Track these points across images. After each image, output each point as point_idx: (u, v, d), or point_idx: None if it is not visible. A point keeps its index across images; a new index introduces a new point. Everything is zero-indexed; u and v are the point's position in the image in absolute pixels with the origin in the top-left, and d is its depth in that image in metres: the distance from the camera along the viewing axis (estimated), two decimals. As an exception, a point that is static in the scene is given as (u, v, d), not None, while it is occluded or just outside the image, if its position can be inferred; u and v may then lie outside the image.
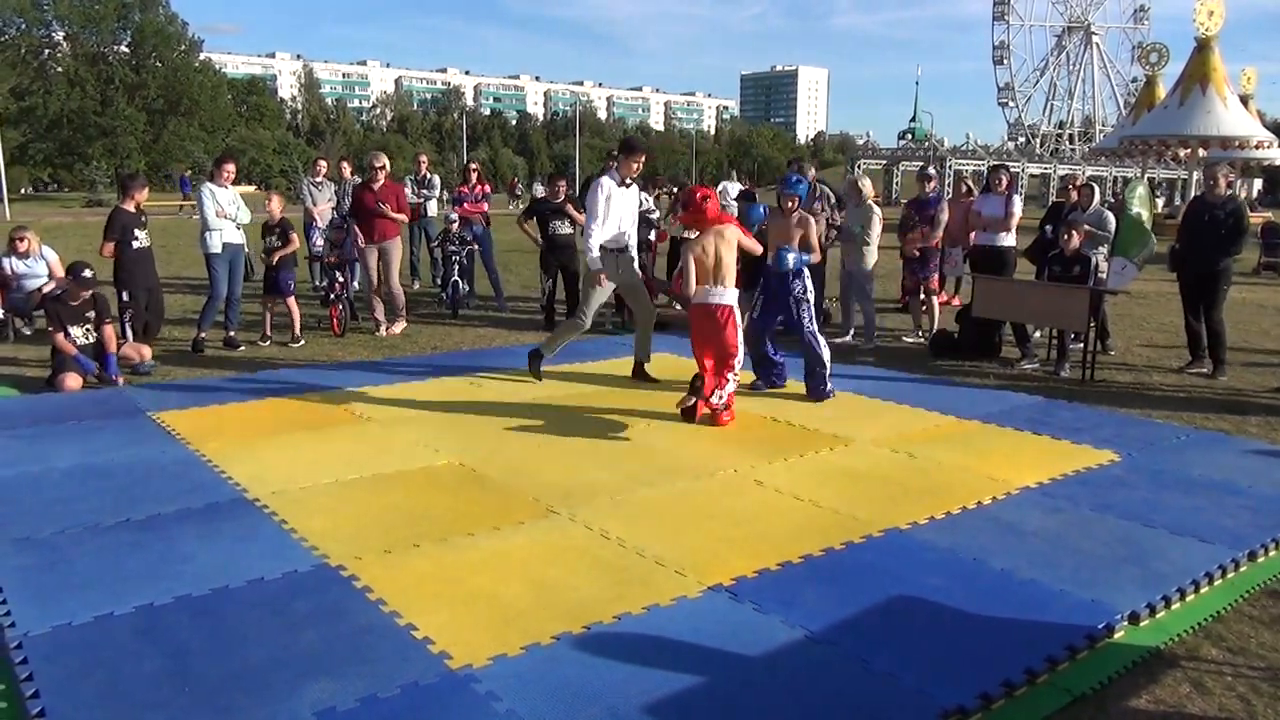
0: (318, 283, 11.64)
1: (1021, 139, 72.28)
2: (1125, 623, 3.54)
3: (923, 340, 9.66)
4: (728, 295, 6.27)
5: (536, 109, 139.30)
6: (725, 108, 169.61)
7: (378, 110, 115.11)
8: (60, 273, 9.52)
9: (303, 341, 9.11)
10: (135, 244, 7.90)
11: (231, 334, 8.92)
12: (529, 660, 3.18)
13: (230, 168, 8.82)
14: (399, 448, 5.65)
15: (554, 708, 2.91)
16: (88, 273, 7.34)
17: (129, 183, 8.31)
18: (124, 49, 57.88)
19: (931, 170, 10.28)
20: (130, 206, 8.01)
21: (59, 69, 56.12)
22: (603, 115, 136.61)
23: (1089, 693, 3.09)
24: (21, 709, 2.89)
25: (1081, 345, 8.21)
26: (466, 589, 3.72)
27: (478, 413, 6.53)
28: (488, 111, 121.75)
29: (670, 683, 3.06)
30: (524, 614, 3.51)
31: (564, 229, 10.02)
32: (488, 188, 12.55)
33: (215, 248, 8.57)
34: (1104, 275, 8.34)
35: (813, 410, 6.70)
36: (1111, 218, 9.13)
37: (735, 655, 3.24)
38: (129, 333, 7.98)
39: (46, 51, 56.68)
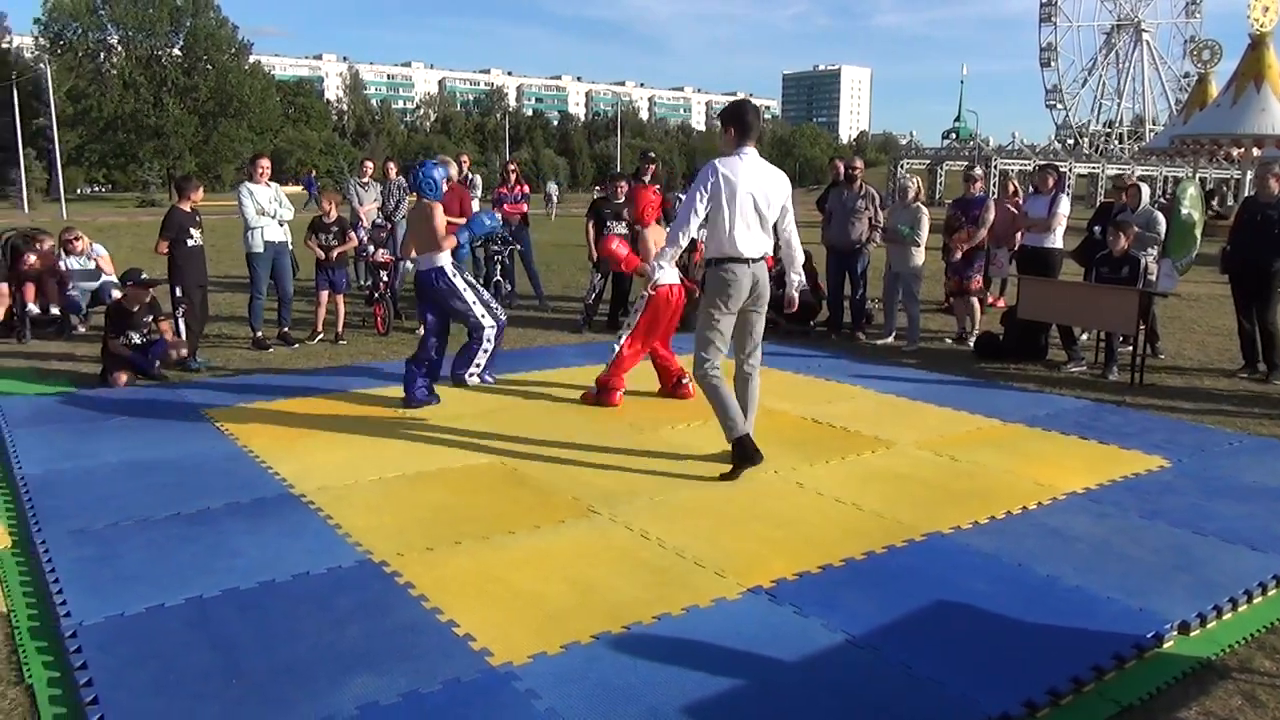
0: (363, 281, 11.78)
1: (1070, 140, 71.00)
2: (1175, 632, 3.47)
3: (966, 343, 9.53)
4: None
5: (578, 109, 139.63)
6: (767, 107, 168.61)
7: (421, 111, 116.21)
8: (111, 269, 9.77)
9: (345, 340, 9.24)
10: (190, 242, 8.07)
11: (286, 330, 9.09)
12: (569, 659, 3.20)
13: (264, 164, 8.90)
14: (441, 445, 5.70)
15: (593, 706, 2.92)
16: (145, 275, 7.67)
17: (184, 184, 8.50)
18: (176, 52, 59.12)
19: (978, 170, 10.15)
20: (186, 206, 8.19)
21: (114, 72, 57.46)
22: (644, 115, 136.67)
23: (1137, 703, 3.04)
24: (75, 697, 2.96)
25: (1130, 348, 8.06)
26: (507, 587, 3.75)
27: (519, 411, 6.57)
28: (530, 112, 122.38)
29: (709, 684, 3.05)
30: (564, 613, 3.53)
31: (619, 229, 10.09)
32: (526, 188, 12.62)
33: (257, 247, 8.70)
34: (1153, 277, 8.18)
35: (854, 412, 6.65)
36: (1161, 218, 8.96)
37: (775, 658, 3.23)
38: (182, 329, 8.16)
39: (102, 55, 58.09)
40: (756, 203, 4.92)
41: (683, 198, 11.80)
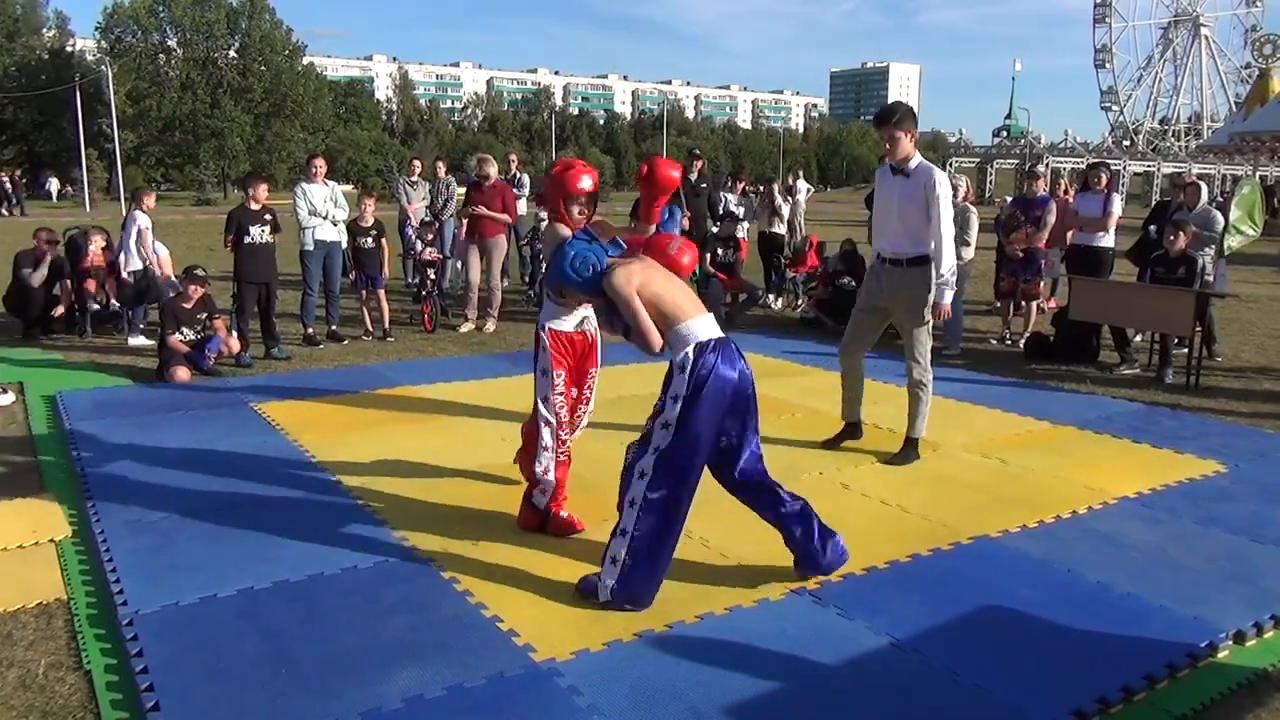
0: (410, 279, 11.93)
1: (1126, 141, 69.32)
2: (1230, 642, 3.39)
3: (1013, 344, 9.35)
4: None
5: (624, 108, 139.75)
6: (814, 105, 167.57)
7: (469, 110, 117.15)
8: (170, 270, 9.99)
9: (393, 337, 9.37)
10: (247, 239, 8.26)
11: (334, 328, 9.25)
12: (611, 656, 3.21)
13: (319, 163, 9.06)
14: (487, 442, 5.75)
15: (635, 704, 2.93)
16: (200, 272, 7.93)
17: (244, 182, 8.74)
18: (232, 54, 60.33)
19: (1041, 168, 9.96)
20: (253, 205, 8.39)
21: (172, 74, 58.79)
22: (690, 114, 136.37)
23: (1190, 714, 2.97)
24: (131, 683, 3.04)
25: (1186, 350, 7.88)
26: (551, 583, 3.77)
27: (563, 410, 6.59)
28: (576, 111, 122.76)
29: (752, 685, 3.05)
30: (607, 611, 3.54)
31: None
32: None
33: (308, 245, 8.91)
34: (1210, 278, 7.99)
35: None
36: (1219, 217, 8.75)
37: (818, 660, 3.21)
38: (237, 326, 8.34)
39: (161, 57, 59.46)
40: None
41: (729, 197, 11.83)
